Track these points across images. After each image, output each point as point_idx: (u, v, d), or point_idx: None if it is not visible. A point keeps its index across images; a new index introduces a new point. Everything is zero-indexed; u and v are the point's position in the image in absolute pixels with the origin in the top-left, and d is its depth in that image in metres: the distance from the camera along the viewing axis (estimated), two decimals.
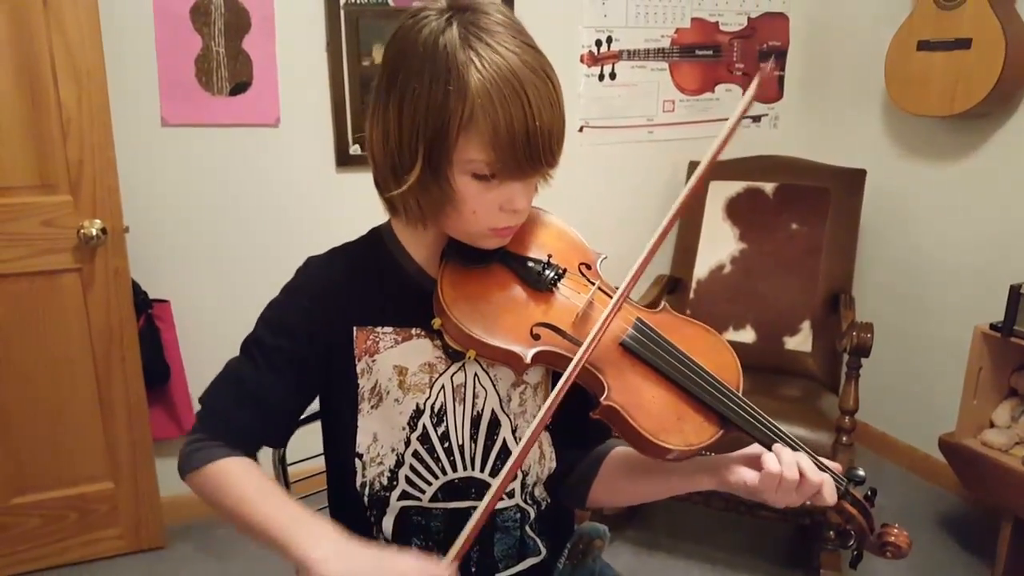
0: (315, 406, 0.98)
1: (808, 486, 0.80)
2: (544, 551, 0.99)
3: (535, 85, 0.75)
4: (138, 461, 2.11)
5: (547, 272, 0.87)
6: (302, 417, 1.08)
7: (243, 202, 2.21)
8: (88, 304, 1.98)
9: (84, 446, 2.06)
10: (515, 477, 0.94)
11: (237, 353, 0.91)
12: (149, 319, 2.11)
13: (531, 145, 0.76)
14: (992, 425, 2.06)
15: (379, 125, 0.81)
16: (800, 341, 2.32)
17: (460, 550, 0.72)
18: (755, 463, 0.83)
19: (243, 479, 0.82)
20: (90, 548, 2.13)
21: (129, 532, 2.16)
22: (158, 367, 2.12)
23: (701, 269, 2.44)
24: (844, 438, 1.91)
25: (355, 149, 2.27)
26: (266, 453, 1.04)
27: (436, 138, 0.76)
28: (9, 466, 2.00)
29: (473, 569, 0.95)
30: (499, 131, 0.74)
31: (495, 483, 0.75)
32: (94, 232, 1.91)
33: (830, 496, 0.81)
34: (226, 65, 2.10)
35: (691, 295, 2.43)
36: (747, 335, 2.36)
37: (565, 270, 0.88)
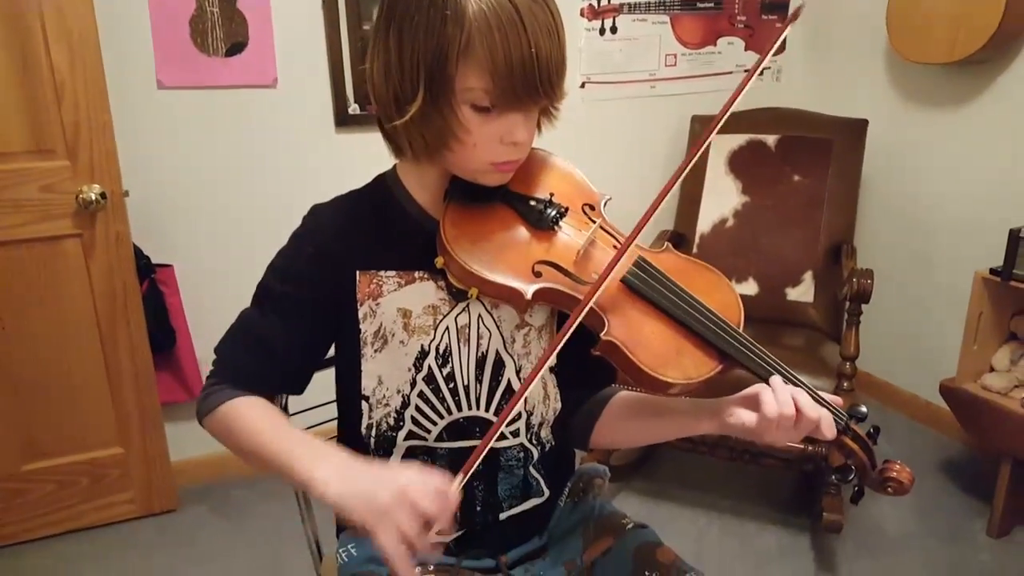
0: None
1: (805, 421, 0.80)
2: (547, 491, 1.01)
3: (532, 12, 0.75)
4: (147, 425, 2.13)
5: (549, 211, 0.87)
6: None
7: (243, 163, 2.20)
8: (91, 270, 1.98)
9: (93, 412, 2.07)
10: (518, 416, 0.95)
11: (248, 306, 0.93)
12: (153, 284, 2.11)
13: (528, 74, 0.75)
14: (992, 369, 2.09)
15: (380, 57, 0.81)
16: (802, 292, 2.33)
17: (462, 479, 0.74)
18: (754, 403, 0.84)
19: (254, 413, 0.86)
20: (103, 512, 2.15)
21: (141, 496, 2.18)
22: (163, 331, 2.12)
23: (704, 223, 2.45)
24: (845, 384, 1.94)
25: (354, 109, 2.25)
26: None
27: (436, 66, 0.76)
28: (20, 433, 2.02)
29: (478, 507, 0.96)
30: (496, 59, 0.74)
31: (497, 422, 0.77)
32: (93, 197, 1.90)
33: (828, 431, 0.81)
34: (221, 26, 2.06)
35: (694, 249, 2.44)
36: (750, 287, 2.37)
37: (567, 208, 0.89)
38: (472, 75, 0.76)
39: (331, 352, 0.98)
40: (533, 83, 0.76)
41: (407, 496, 0.70)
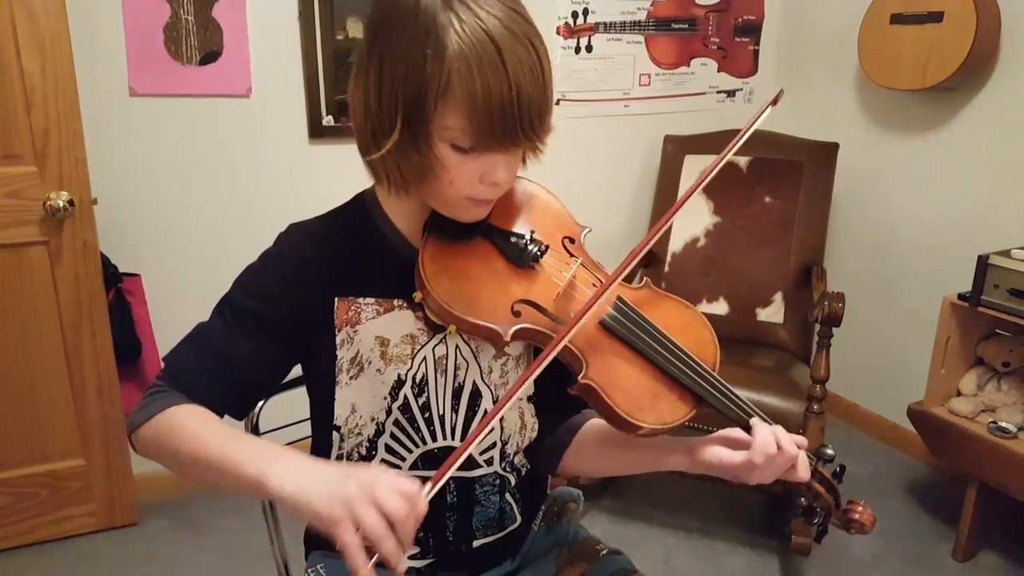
0: (297, 371, 0.97)
1: (785, 458, 0.81)
2: (519, 517, 1.00)
3: (516, 52, 0.72)
4: (110, 437, 2.09)
5: (530, 248, 0.85)
6: (283, 382, 1.07)
7: (214, 174, 2.18)
8: (56, 278, 1.95)
9: (54, 422, 2.03)
10: (492, 445, 0.94)
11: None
12: (119, 293, 2.07)
13: (507, 115, 0.73)
14: (959, 394, 2.11)
15: (360, 88, 0.79)
16: (772, 312, 2.35)
17: (431, 489, 0.71)
18: (735, 444, 0.84)
19: (197, 417, 0.81)
20: (62, 525, 2.11)
21: (102, 509, 2.14)
22: (129, 342, 2.09)
23: (676, 243, 2.46)
24: (815, 406, 1.94)
25: (328, 120, 2.24)
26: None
27: (415, 103, 0.74)
28: None
29: (450, 537, 0.95)
30: (476, 99, 0.72)
31: (461, 446, 0.74)
32: (61, 204, 1.87)
33: (804, 471, 0.83)
34: (195, 34, 2.05)
35: (666, 268, 2.45)
36: (720, 307, 2.38)
37: (548, 246, 0.87)
38: (450, 115, 0.74)
39: (292, 375, 0.95)
40: (513, 125, 0.74)
41: (373, 492, 0.66)
